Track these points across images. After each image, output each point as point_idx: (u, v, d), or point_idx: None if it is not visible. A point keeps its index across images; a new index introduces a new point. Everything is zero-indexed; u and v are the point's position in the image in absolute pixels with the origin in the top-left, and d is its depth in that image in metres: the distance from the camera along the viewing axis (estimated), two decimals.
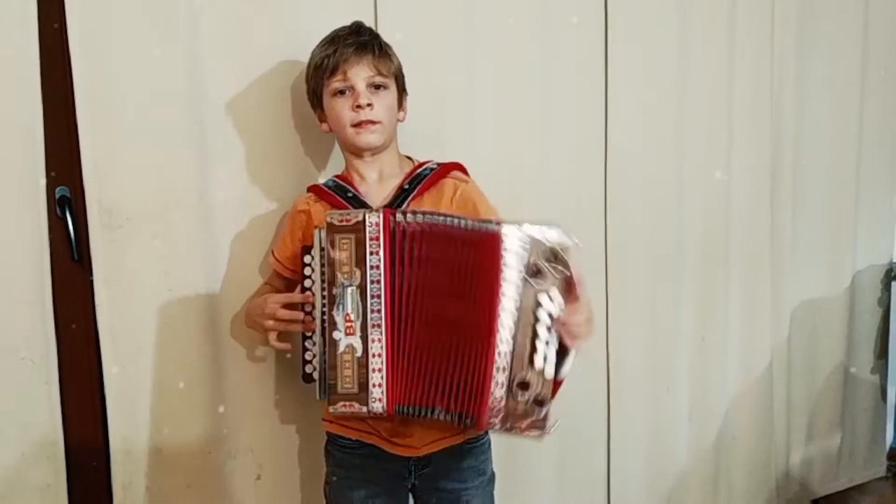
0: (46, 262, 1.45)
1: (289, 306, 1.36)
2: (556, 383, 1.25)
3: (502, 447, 1.78)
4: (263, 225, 1.58)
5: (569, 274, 1.22)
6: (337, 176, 1.47)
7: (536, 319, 1.22)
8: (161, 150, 1.50)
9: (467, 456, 1.44)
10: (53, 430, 1.48)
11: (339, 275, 1.23)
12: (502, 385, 1.23)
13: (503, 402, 1.23)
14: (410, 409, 1.26)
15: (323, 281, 1.24)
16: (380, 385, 1.23)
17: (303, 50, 1.52)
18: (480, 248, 1.23)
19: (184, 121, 1.51)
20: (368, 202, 1.40)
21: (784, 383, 2.37)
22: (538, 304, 1.22)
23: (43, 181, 1.43)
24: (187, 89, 1.51)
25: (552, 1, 1.87)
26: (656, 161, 2.06)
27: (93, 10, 1.43)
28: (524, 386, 1.23)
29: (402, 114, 1.47)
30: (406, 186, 1.42)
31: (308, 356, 1.34)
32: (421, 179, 1.43)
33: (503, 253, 1.22)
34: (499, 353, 1.23)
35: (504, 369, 1.23)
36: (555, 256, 1.21)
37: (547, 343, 1.23)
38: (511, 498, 1.89)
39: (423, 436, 1.39)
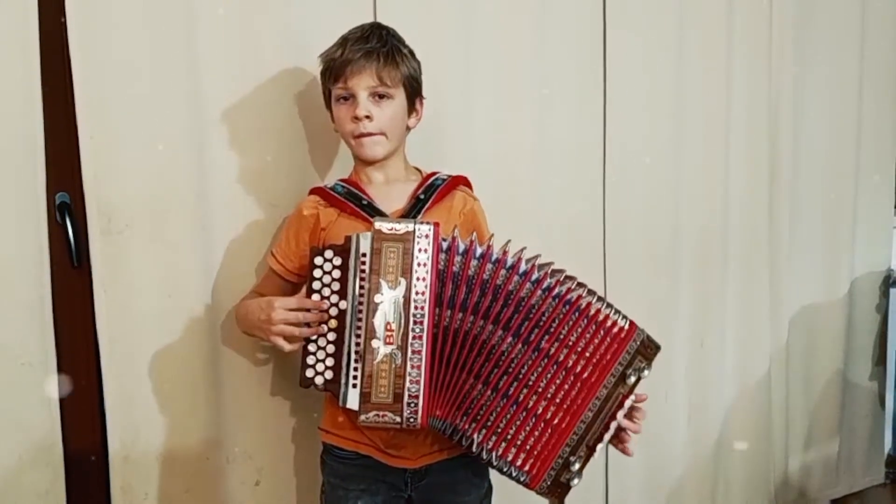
0: (46, 267, 1.45)
1: (298, 310, 1.30)
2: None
3: None
4: (263, 230, 1.59)
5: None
6: (343, 180, 1.46)
7: (613, 416, 1.26)
8: (160, 155, 1.50)
9: (464, 469, 1.43)
10: (52, 434, 1.48)
11: (383, 282, 1.22)
12: (562, 458, 1.25)
13: (555, 472, 1.26)
14: (444, 425, 1.26)
15: (361, 287, 1.23)
16: (416, 397, 1.23)
17: (302, 54, 1.53)
18: (602, 331, 1.24)
19: (183, 126, 1.52)
20: (380, 208, 1.39)
21: (782, 389, 2.37)
22: (621, 405, 1.26)
23: (43, 187, 1.44)
24: (186, 95, 1.51)
25: (551, 2, 1.88)
26: (655, 165, 2.07)
27: (93, 15, 1.43)
28: (575, 462, 1.26)
29: (413, 119, 1.46)
30: (421, 196, 1.42)
31: (310, 360, 1.29)
32: (434, 189, 1.43)
33: (626, 350, 1.24)
34: (575, 433, 1.25)
35: (570, 445, 1.25)
36: (639, 371, 1.26)
37: (609, 439, 1.27)
38: (509, 501, 1.89)
39: (416, 448, 1.38)
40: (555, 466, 1.26)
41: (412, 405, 1.23)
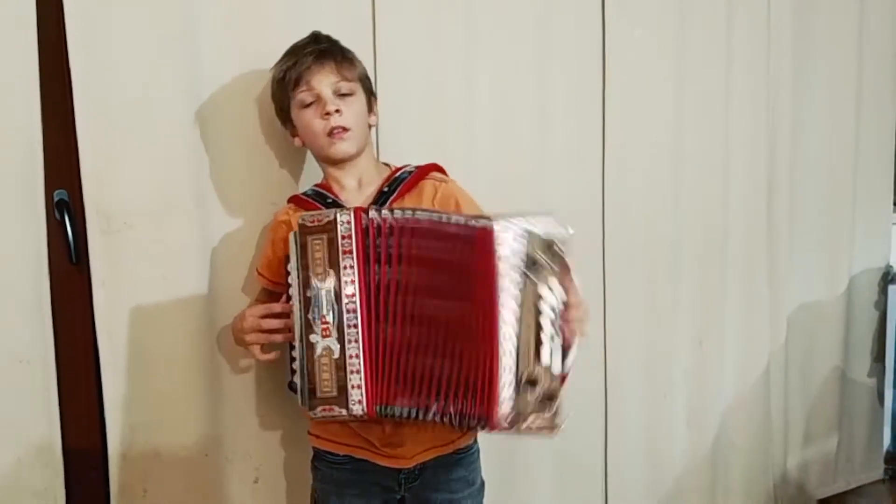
0: (45, 265, 1.45)
1: (269, 317, 1.33)
2: (563, 378, 1.21)
3: (498, 454, 1.78)
4: (261, 229, 1.58)
5: (566, 264, 1.20)
6: (316, 185, 1.46)
7: (539, 313, 1.18)
8: (159, 154, 1.50)
9: (457, 466, 1.43)
10: (51, 434, 1.47)
11: (312, 277, 1.20)
12: (510, 384, 1.18)
13: (513, 402, 1.18)
14: (395, 409, 1.21)
15: (300, 285, 1.22)
16: (359, 387, 1.20)
17: None
18: (473, 244, 1.19)
19: (182, 124, 1.51)
20: (346, 206, 1.37)
21: (781, 387, 2.37)
22: (539, 297, 1.18)
23: (41, 184, 1.43)
24: (185, 93, 1.51)
25: (551, 2, 1.88)
26: (654, 165, 2.07)
27: (92, 16, 1.43)
28: (533, 383, 1.18)
29: (373, 118, 1.45)
30: (385, 189, 1.40)
31: (295, 366, 1.30)
32: (400, 182, 1.41)
33: (497, 248, 1.18)
34: (504, 352, 1.17)
35: (510, 368, 1.17)
36: (549, 247, 1.19)
37: (552, 337, 1.19)
38: (507, 501, 1.89)
39: (414, 445, 1.37)
40: (507, 395, 1.17)
41: (355, 395, 1.20)
